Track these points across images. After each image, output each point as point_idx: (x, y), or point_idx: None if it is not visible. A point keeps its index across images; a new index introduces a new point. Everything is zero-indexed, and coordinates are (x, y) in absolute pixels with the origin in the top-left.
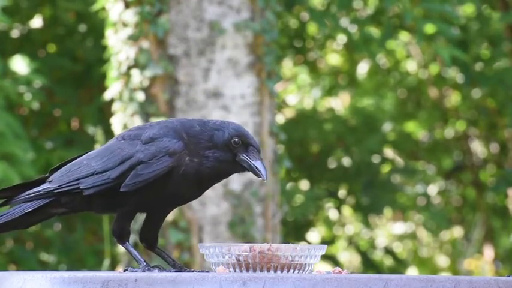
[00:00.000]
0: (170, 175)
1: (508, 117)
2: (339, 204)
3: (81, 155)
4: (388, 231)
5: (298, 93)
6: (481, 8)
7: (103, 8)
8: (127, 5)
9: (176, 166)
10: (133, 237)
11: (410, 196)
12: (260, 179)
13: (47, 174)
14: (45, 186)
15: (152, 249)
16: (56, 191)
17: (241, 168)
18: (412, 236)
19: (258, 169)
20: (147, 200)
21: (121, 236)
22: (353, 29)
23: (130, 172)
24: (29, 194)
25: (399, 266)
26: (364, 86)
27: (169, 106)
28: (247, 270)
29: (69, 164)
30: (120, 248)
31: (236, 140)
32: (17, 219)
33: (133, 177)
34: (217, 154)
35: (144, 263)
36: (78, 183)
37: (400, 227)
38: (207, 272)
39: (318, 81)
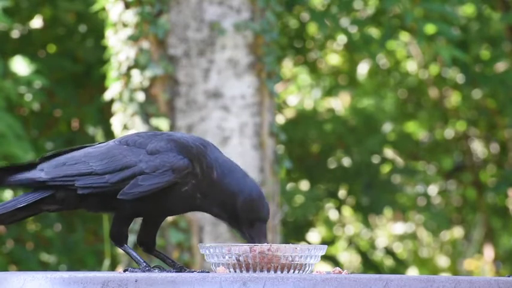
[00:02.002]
0: (171, 190)
1: (508, 117)
2: (339, 204)
3: (76, 149)
4: (388, 231)
5: (298, 93)
6: (481, 9)
7: (103, 9)
8: (127, 6)
9: (179, 183)
10: (132, 238)
11: (411, 196)
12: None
13: (36, 160)
14: (37, 174)
15: (151, 252)
16: (49, 183)
17: (242, 237)
18: (412, 237)
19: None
20: (143, 208)
21: (119, 239)
22: (353, 29)
23: (130, 180)
24: (20, 179)
25: (399, 266)
26: (365, 87)
27: (169, 106)
28: (248, 270)
29: (65, 156)
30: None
31: (243, 216)
32: (8, 213)
33: (133, 186)
34: (222, 215)
35: (144, 264)
36: (73, 180)
37: (400, 227)
38: (207, 272)
39: (318, 81)
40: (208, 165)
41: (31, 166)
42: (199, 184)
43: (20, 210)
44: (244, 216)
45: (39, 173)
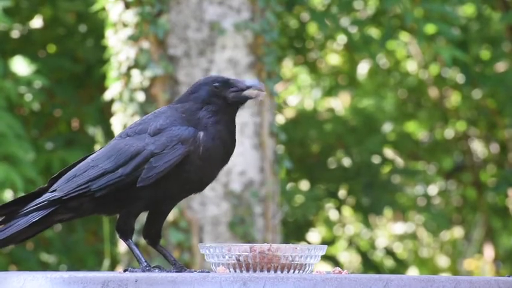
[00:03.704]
0: (188, 161)
1: (508, 117)
2: (339, 204)
3: (81, 161)
4: (389, 231)
5: (298, 93)
6: (481, 9)
7: (103, 9)
8: (127, 6)
9: (193, 151)
10: (134, 238)
11: (411, 196)
12: (260, 96)
13: (45, 185)
14: (48, 196)
15: (154, 245)
16: (64, 198)
17: (235, 102)
18: (412, 237)
19: (251, 91)
20: (165, 190)
21: (125, 232)
22: (353, 29)
23: (144, 166)
24: (33, 206)
25: (399, 266)
26: (365, 87)
27: None
28: (248, 270)
29: (72, 170)
30: (120, 248)
31: (216, 84)
32: (23, 230)
33: (149, 170)
34: (211, 107)
35: (145, 263)
36: (88, 186)
37: (400, 228)
38: (208, 272)
39: (318, 81)
40: (185, 113)
41: (41, 192)
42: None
43: (33, 225)
44: (216, 84)
45: (52, 194)
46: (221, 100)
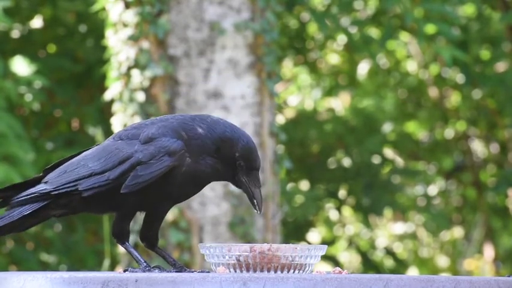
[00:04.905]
0: (171, 175)
1: (508, 117)
2: (339, 204)
3: (76, 155)
4: (389, 231)
5: (298, 93)
6: (481, 9)
7: (103, 9)
8: (127, 6)
9: (177, 166)
10: (132, 238)
11: (411, 196)
12: (255, 211)
13: (41, 174)
14: (41, 187)
15: (152, 248)
16: (53, 193)
17: (238, 185)
18: (412, 237)
19: (254, 199)
20: (147, 199)
21: (121, 236)
22: (353, 29)
23: (130, 172)
24: (25, 195)
25: (399, 266)
26: (365, 87)
27: (169, 106)
28: (248, 270)
29: (65, 164)
30: (120, 249)
31: (241, 163)
32: (15, 222)
33: (134, 178)
34: (219, 166)
35: (144, 264)
36: (76, 185)
37: (400, 228)
38: (208, 272)
39: (318, 81)
40: (194, 132)
41: (36, 181)
42: (193, 156)
43: (27, 218)
44: (242, 163)
45: (44, 185)
46: (231, 171)
